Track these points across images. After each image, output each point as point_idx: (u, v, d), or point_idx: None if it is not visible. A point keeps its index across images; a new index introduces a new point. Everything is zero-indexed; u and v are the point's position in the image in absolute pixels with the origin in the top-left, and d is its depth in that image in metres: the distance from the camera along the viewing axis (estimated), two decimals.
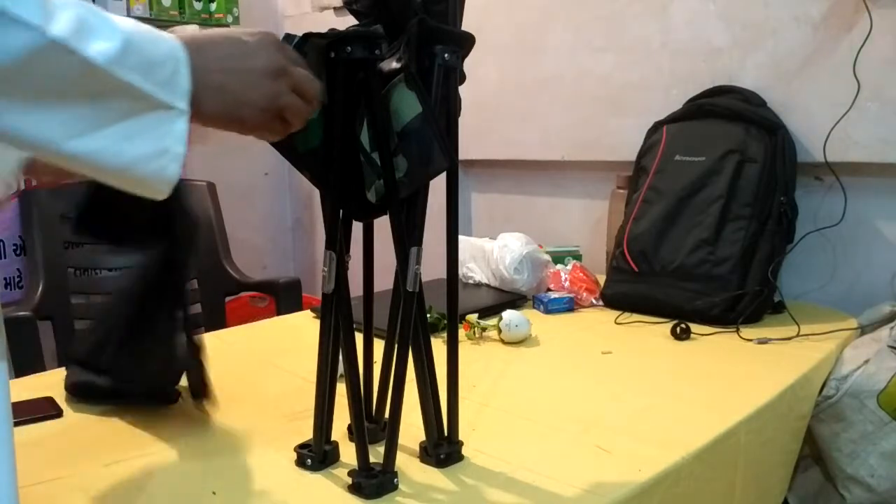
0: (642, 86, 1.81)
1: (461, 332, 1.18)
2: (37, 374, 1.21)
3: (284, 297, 2.03)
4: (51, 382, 1.11)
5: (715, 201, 1.48)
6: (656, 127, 1.66)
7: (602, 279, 1.63)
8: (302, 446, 0.86)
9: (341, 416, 0.86)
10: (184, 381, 1.00)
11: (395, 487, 0.79)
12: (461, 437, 0.88)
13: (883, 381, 1.16)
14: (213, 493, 0.80)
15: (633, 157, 1.68)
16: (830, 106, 1.50)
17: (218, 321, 2.05)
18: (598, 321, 1.48)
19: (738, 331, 1.35)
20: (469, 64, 0.83)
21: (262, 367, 1.23)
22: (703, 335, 1.35)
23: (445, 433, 0.87)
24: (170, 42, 0.59)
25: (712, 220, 1.47)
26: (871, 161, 1.49)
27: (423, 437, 0.87)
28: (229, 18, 2.43)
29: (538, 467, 0.84)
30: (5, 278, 2.07)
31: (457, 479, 0.83)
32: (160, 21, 2.28)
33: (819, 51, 1.53)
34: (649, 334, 1.38)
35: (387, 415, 0.85)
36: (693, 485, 0.89)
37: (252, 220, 2.79)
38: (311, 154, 0.80)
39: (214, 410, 0.98)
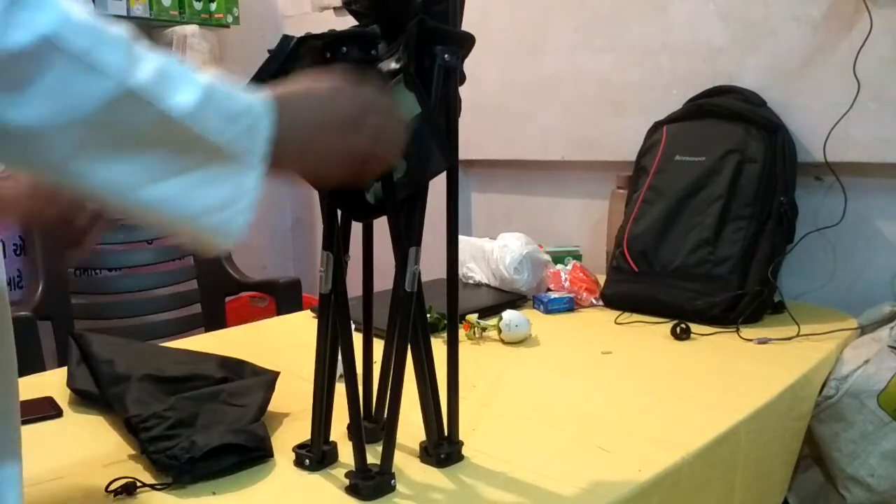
0: (642, 86, 1.81)
1: (461, 332, 1.18)
2: (37, 374, 1.21)
3: (284, 297, 2.03)
4: (51, 382, 1.11)
5: (715, 201, 1.47)
6: (656, 127, 1.66)
7: (602, 279, 1.63)
8: (300, 446, 0.86)
9: (341, 416, 0.86)
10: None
11: (392, 489, 0.79)
12: (461, 436, 0.88)
13: (883, 381, 1.16)
14: (213, 493, 0.80)
15: (633, 157, 1.68)
16: (830, 106, 1.50)
17: (218, 321, 2.06)
18: (598, 321, 1.48)
19: (738, 331, 1.35)
20: (469, 64, 0.83)
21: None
22: (703, 335, 1.35)
23: (446, 433, 0.87)
24: (249, 97, 0.58)
25: (712, 220, 1.47)
26: (871, 161, 1.50)
27: (423, 437, 0.87)
28: (229, 18, 2.43)
29: (538, 467, 0.84)
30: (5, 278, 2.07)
31: (457, 479, 0.83)
32: (160, 21, 2.28)
33: (819, 51, 1.53)
34: (649, 334, 1.38)
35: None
36: (693, 485, 0.89)
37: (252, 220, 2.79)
38: None
39: None
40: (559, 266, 1.67)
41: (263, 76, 0.73)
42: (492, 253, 1.65)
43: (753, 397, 1.04)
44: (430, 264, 0.92)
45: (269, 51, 0.75)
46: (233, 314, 2.16)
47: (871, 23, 1.43)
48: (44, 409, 1.02)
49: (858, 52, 1.46)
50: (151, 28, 2.32)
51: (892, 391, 1.15)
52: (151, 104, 0.51)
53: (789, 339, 1.30)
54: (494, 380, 1.15)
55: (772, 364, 1.20)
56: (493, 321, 1.35)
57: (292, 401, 1.03)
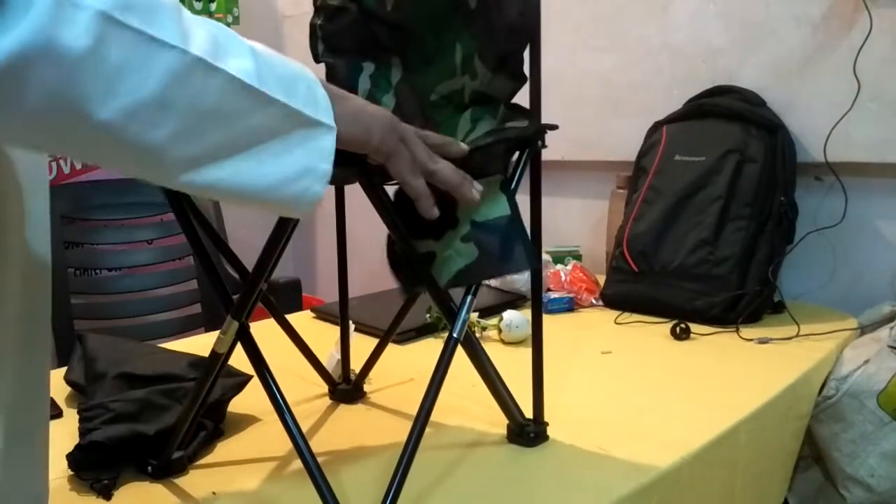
0: (642, 86, 1.81)
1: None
2: None
3: (284, 297, 2.03)
4: (51, 382, 1.11)
5: (715, 201, 1.48)
6: (656, 127, 1.66)
7: (602, 279, 1.63)
8: None
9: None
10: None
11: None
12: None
13: (883, 381, 1.16)
14: (213, 493, 0.80)
15: (633, 157, 1.68)
16: (830, 106, 1.50)
17: (218, 321, 2.05)
18: (598, 321, 1.48)
19: (738, 331, 1.35)
20: None
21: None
22: (702, 335, 1.35)
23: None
24: (291, 61, 0.55)
25: (712, 220, 1.47)
26: (871, 161, 1.49)
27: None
28: (229, 18, 2.43)
29: (538, 467, 0.84)
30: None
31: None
32: None
33: (819, 51, 1.53)
34: (649, 334, 1.38)
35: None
36: (693, 485, 0.89)
37: (252, 220, 2.79)
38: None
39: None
40: (559, 266, 1.67)
41: None
42: None
43: (753, 397, 1.04)
44: None
45: None
46: None
47: (870, 23, 1.43)
48: None
49: (858, 52, 1.46)
50: None
51: (892, 391, 1.15)
52: (219, 71, 0.48)
53: (789, 338, 1.30)
54: None
55: (771, 364, 1.20)
56: (493, 321, 1.35)
57: (291, 401, 1.02)
